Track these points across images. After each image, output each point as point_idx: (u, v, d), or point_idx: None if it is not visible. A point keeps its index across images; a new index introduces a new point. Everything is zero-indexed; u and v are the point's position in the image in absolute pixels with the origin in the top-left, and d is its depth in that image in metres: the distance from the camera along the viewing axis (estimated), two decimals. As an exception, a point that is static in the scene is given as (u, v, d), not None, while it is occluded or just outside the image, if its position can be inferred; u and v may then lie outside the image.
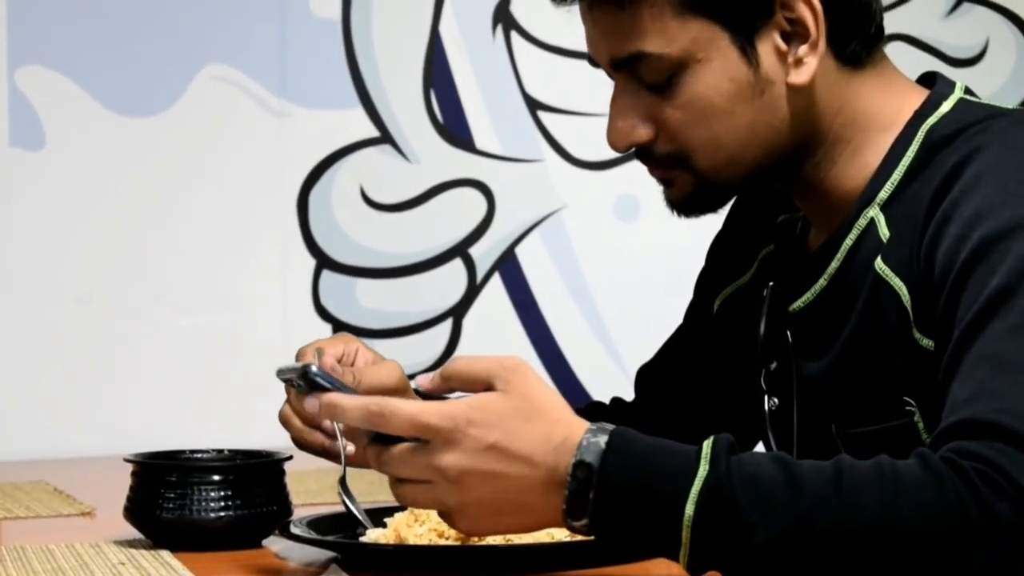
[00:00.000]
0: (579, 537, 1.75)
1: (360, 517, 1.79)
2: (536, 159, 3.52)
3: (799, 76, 1.77)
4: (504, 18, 3.50)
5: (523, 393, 1.55)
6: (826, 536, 1.49)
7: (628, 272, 3.54)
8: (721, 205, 1.89)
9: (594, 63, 1.86)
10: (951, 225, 1.66)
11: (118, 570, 1.77)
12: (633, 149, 1.83)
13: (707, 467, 1.50)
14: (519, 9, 3.51)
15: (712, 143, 1.78)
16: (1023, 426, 1.50)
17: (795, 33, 1.76)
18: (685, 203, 1.85)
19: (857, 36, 1.81)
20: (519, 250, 3.50)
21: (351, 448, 1.86)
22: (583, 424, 1.54)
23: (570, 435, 1.53)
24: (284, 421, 1.97)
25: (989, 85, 3.68)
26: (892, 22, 3.73)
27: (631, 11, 1.75)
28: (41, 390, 3.25)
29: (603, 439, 1.52)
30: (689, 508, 1.49)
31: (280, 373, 1.71)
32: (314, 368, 1.64)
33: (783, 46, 1.77)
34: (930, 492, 1.49)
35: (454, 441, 1.54)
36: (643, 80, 1.78)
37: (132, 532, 1.93)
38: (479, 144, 3.48)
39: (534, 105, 3.51)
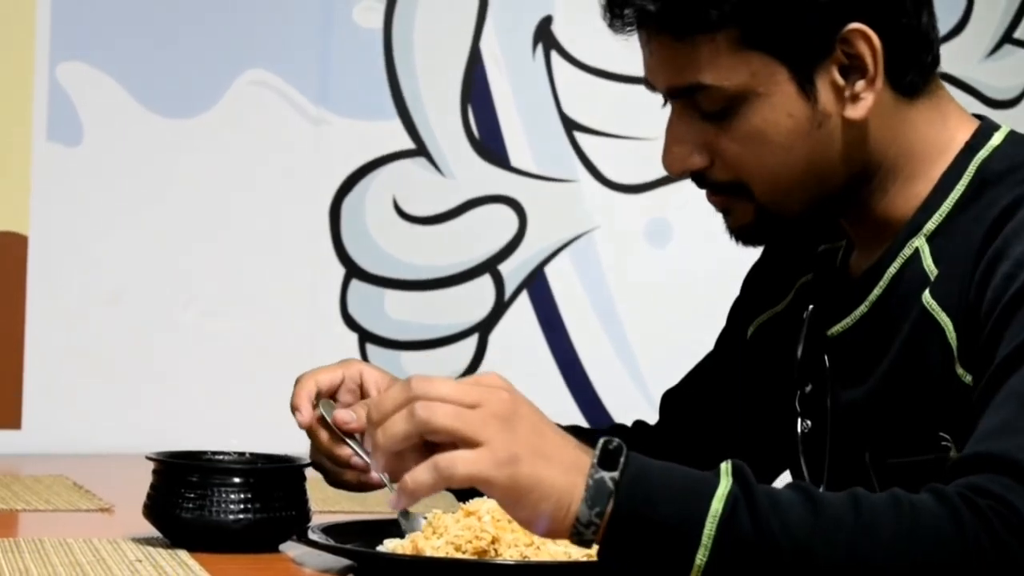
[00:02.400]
0: (594, 556, 1.75)
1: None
2: (570, 179, 3.53)
3: (856, 111, 1.77)
4: (545, 37, 3.51)
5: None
6: (843, 557, 1.49)
7: (657, 297, 3.54)
8: (782, 237, 1.89)
9: (651, 87, 1.85)
10: (1002, 263, 1.67)
11: (135, 567, 1.77)
12: (688, 175, 1.83)
13: (730, 479, 1.50)
14: (560, 29, 3.51)
15: (769, 175, 1.78)
16: None
17: (853, 68, 1.76)
18: (745, 233, 1.85)
19: (914, 67, 1.81)
20: (548, 269, 3.51)
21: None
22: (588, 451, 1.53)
23: (582, 448, 1.52)
24: (316, 464, 1.98)
25: (1026, 128, 3.68)
26: (932, 60, 3.72)
27: (690, 43, 1.75)
28: (66, 386, 3.26)
29: (622, 454, 1.50)
30: (716, 504, 1.48)
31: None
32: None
33: (841, 81, 1.76)
34: (945, 524, 1.50)
35: (501, 388, 1.51)
36: (700, 109, 1.78)
37: (150, 530, 1.94)
38: (514, 161, 3.48)
39: (570, 125, 3.52)
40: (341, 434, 1.92)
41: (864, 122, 1.78)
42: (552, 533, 1.52)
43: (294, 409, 1.97)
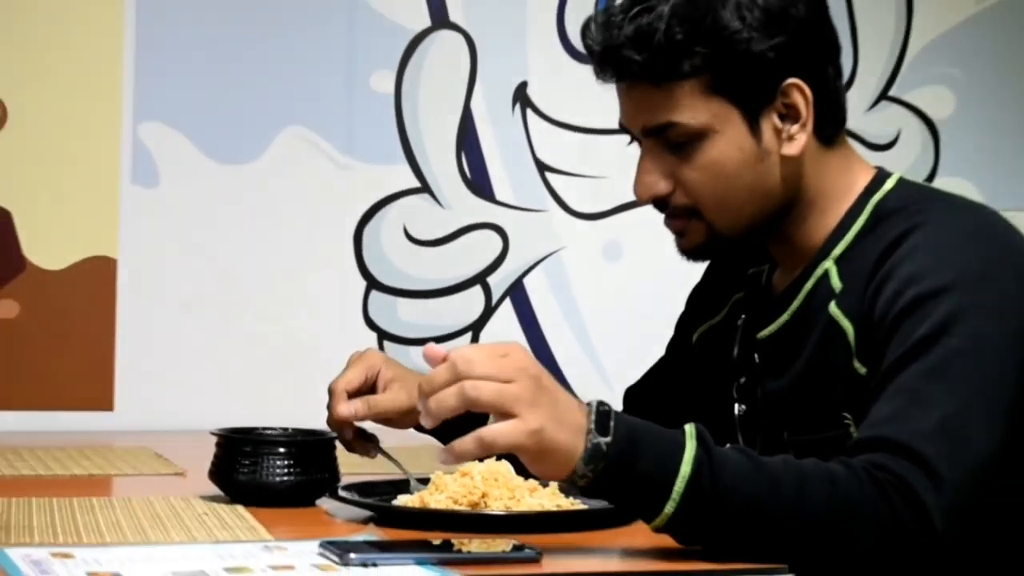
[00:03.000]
0: (566, 507, 1.76)
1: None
2: (542, 209, 3.52)
3: (791, 149, 1.79)
4: (522, 98, 3.51)
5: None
6: (777, 511, 1.51)
7: (611, 301, 3.54)
8: (725, 254, 1.89)
9: (625, 130, 1.85)
10: (891, 282, 1.68)
11: (202, 519, 1.78)
12: (653, 200, 1.83)
13: (695, 443, 1.52)
14: (533, 92, 3.51)
15: (721, 199, 1.79)
16: (924, 450, 1.52)
17: (789, 115, 1.78)
18: (696, 251, 1.86)
19: (832, 121, 1.83)
20: (526, 280, 3.50)
21: None
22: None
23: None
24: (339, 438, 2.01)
25: (900, 166, 3.68)
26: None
27: (666, 89, 1.76)
28: (149, 377, 3.25)
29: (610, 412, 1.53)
30: (684, 467, 1.50)
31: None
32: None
33: (780, 124, 1.78)
34: (854, 492, 1.51)
35: (515, 353, 1.53)
36: (668, 144, 1.79)
37: (214, 490, 1.94)
38: (498, 196, 3.48)
39: (542, 167, 3.51)
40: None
41: (796, 160, 1.79)
42: (553, 479, 1.64)
43: (332, 410, 2.00)
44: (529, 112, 3.51)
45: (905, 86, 3.79)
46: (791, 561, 1.50)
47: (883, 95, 3.77)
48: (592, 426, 1.51)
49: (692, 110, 1.76)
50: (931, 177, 3.76)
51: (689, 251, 1.86)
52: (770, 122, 1.78)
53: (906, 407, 1.58)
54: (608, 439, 1.50)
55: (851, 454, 1.57)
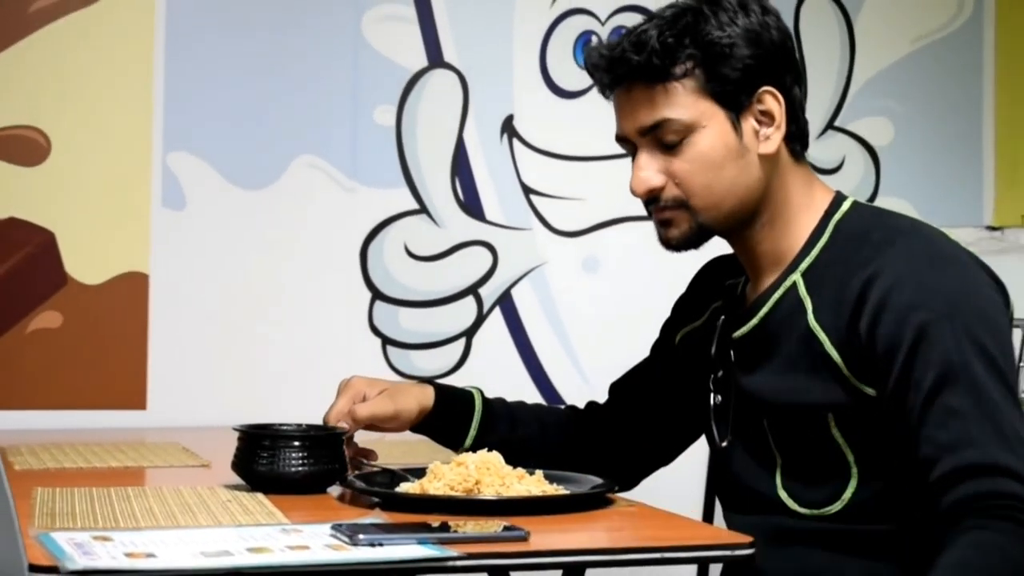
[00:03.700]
0: (551, 492, 1.76)
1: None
2: (527, 228, 3.53)
3: (767, 148, 1.82)
4: (509, 129, 3.51)
5: None
6: None
7: (589, 309, 3.54)
8: (703, 242, 1.90)
9: (621, 141, 1.88)
10: (887, 312, 1.72)
11: (226, 505, 1.78)
12: (648, 194, 1.85)
13: None
14: (519, 123, 3.51)
15: (708, 188, 1.81)
16: (1008, 460, 1.61)
17: (765, 119, 1.81)
18: (681, 240, 1.87)
19: (798, 139, 1.86)
20: (514, 291, 3.50)
21: None
22: None
23: None
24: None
25: (845, 187, 3.66)
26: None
27: (661, 89, 1.81)
28: (178, 379, 3.25)
29: None
30: None
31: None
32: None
33: (757, 126, 1.82)
34: (1015, 541, 1.58)
35: None
36: (661, 141, 1.81)
37: (236, 480, 1.94)
38: (488, 216, 3.48)
39: (527, 190, 3.52)
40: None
41: (771, 160, 1.83)
42: None
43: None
44: (515, 141, 3.51)
45: (849, 117, 3.80)
46: None
47: (829, 125, 3.78)
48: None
49: (684, 107, 1.80)
50: (872, 197, 3.77)
51: (672, 241, 1.87)
52: (749, 123, 1.82)
53: (965, 428, 1.63)
54: None
55: (945, 487, 1.61)
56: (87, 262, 3.21)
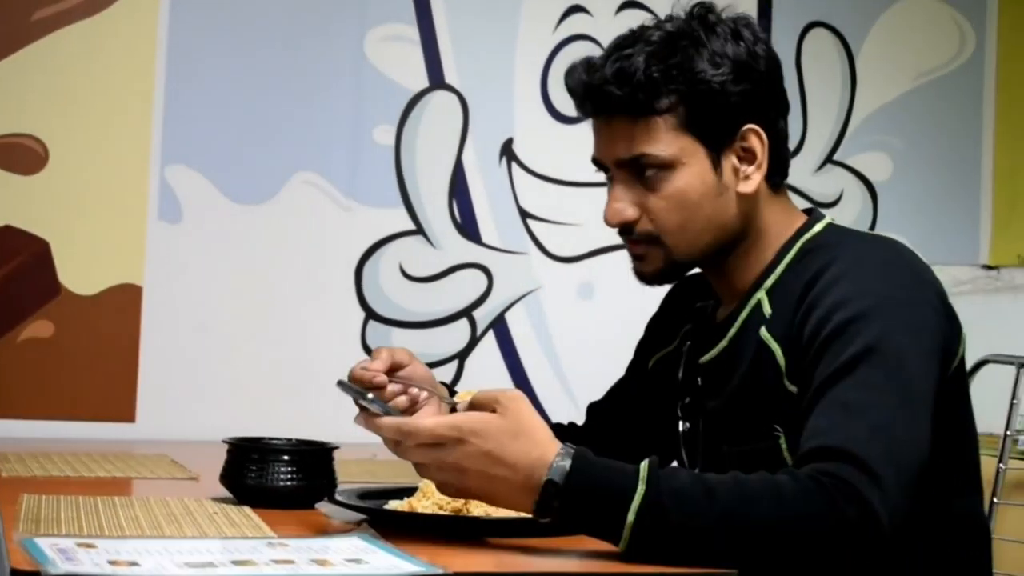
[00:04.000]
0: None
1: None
2: (523, 252, 3.52)
3: (747, 187, 1.80)
4: (508, 152, 3.51)
5: (515, 417, 1.55)
6: (730, 532, 1.49)
7: (584, 336, 3.53)
8: (677, 278, 1.89)
9: (597, 164, 1.85)
10: (817, 309, 1.69)
11: (213, 518, 1.77)
12: (621, 226, 1.82)
13: (644, 486, 1.50)
14: (518, 147, 3.51)
15: (682, 227, 1.79)
16: (861, 452, 1.52)
17: (746, 157, 1.79)
18: (653, 275, 1.85)
19: (778, 172, 1.84)
20: (508, 315, 3.50)
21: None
22: (555, 447, 1.54)
23: (544, 453, 1.54)
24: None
25: (842, 221, 3.67)
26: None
27: (643, 123, 1.77)
28: (167, 392, 3.24)
29: (568, 463, 1.53)
30: (630, 516, 1.49)
31: (341, 384, 1.70)
32: (370, 396, 1.64)
33: (738, 165, 1.79)
34: (802, 499, 1.50)
35: (461, 444, 1.54)
36: (638, 175, 1.78)
37: (224, 492, 1.93)
38: (484, 239, 3.48)
39: (524, 214, 3.51)
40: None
41: (749, 198, 1.80)
42: None
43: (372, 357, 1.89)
44: (514, 165, 3.51)
45: (848, 151, 3.81)
46: (749, 567, 1.49)
47: (828, 159, 3.78)
48: (535, 508, 1.54)
49: (664, 143, 1.77)
50: (870, 233, 3.77)
51: (645, 275, 1.85)
52: (730, 161, 1.79)
53: (841, 418, 1.58)
54: (547, 520, 1.55)
55: (797, 466, 1.57)
56: (81, 272, 3.20)
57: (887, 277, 1.70)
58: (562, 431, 2.15)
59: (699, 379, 1.89)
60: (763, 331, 1.76)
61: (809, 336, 1.68)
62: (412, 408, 1.88)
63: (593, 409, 2.17)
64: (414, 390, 1.86)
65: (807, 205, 1.94)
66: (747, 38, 1.79)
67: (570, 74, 1.82)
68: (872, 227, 3.78)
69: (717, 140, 1.77)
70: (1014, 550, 2.99)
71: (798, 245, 1.81)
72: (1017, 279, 3.72)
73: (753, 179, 1.79)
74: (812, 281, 1.72)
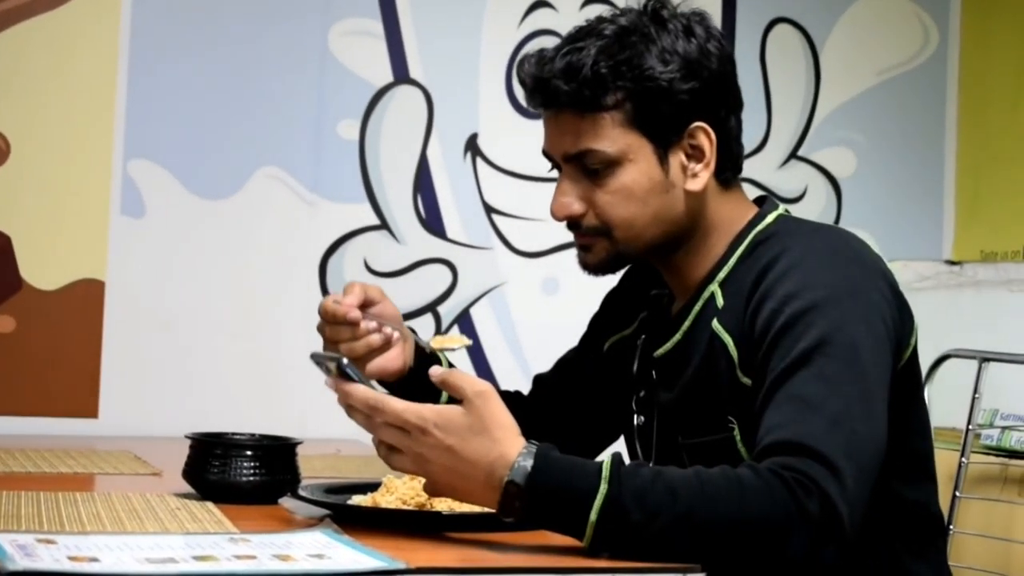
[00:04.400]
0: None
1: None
2: (488, 247, 3.52)
3: (693, 184, 1.79)
4: (472, 148, 3.51)
5: (479, 413, 1.55)
6: (693, 528, 1.49)
7: (548, 330, 3.53)
8: (621, 268, 1.89)
9: (547, 156, 1.84)
10: (769, 301, 1.69)
11: (175, 513, 1.76)
12: (568, 219, 1.82)
13: (606, 485, 1.50)
14: (483, 142, 3.51)
15: (628, 222, 1.78)
16: (820, 446, 1.52)
17: (694, 155, 1.78)
18: (598, 265, 1.85)
19: (730, 167, 1.83)
20: (473, 310, 3.50)
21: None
22: (517, 445, 1.54)
23: (505, 452, 1.54)
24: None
25: (806, 217, 3.69)
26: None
27: (590, 118, 1.76)
28: (130, 388, 3.23)
29: (529, 463, 1.52)
30: (592, 516, 1.49)
31: (314, 356, 1.69)
32: (345, 361, 1.63)
33: (686, 162, 1.78)
34: (763, 494, 1.50)
35: (424, 435, 1.54)
36: (585, 170, 1.78)
37: (187, 488, 1.92)
38: (449, 234, 3.48)
39: (489, 209, 3.51)
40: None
41: (697, 195, 1.80)
42: None
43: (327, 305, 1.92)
44: (479, 160, 3.51)
45: (812, 147, 3.82)
46: (711, 564, 1.49)
47: (793, 155, 3.79)
48: (498, 508, 1.53)
49: (610, 139, 1.76)
50: (834, 228, 3.78)
51: (589, 265, 1.85)
52: (677, 158, 1.78)
53: (798, 412, 1.58)
54: (511, 520, 1.54)
55: (755, 460, 1.57)
56: (43, 267, 3.18)
57: (837, 267, 1.70)
58: (507, 399, 2.15)
59: (653, 373, 1.88)
60: (715, 323, 1.76)
61: (761, 329, 1.68)
62: (385, 347, 1.91)
63: (541, 380, 2.16)
64: (388, 329, 1.88)
65: (760, 193, 1.94)
66: (699, 35, 1.78)
67: (521, 65, 1.81)
68: (836, 222, 3.79)
69: (664, 137, 1.77)
70: (976, 544, 3.00)
71: (750, 237, 1.81)
72: (980, 274, 3.74)
73: (701, 177, 1.79)
74: (763, 273, 1.72)
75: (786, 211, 1.87)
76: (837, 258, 1.72)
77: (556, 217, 1.82)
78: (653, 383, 1.88)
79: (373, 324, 1.89)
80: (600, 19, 1.81)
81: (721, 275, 1.80)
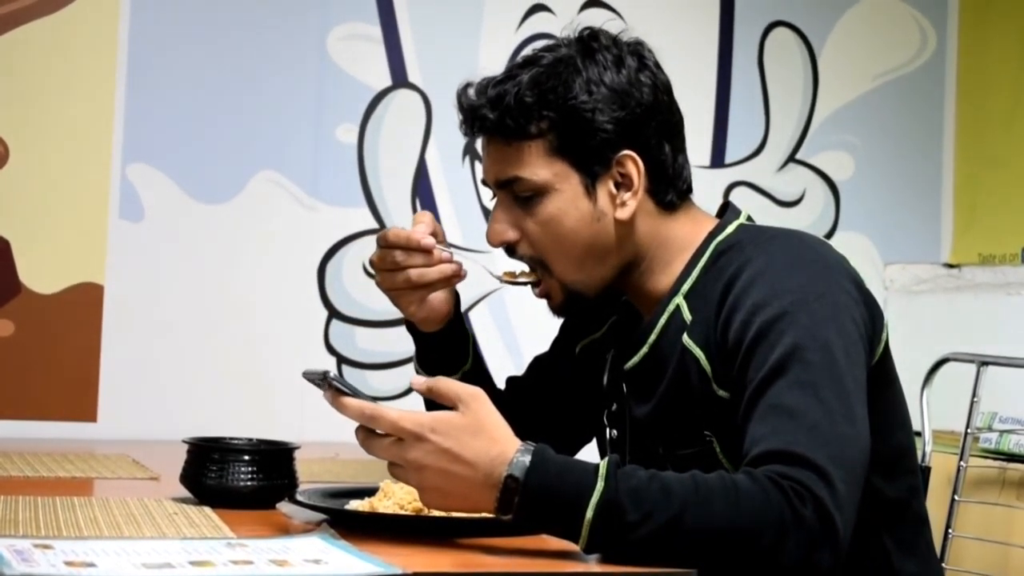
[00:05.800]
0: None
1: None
2: (487, 251, 3.51)
3: (622, 213, 1.80)
4: (471, 151, 3.51)
5: (475, 415, 1.55)
6: (687, 530, 1.49)
7: (546, 334, 3.52)
8: (586, 306, 1.89)
9: (485, 183, 1.87)
10: (738, 313, 1.69)
11: (172, 518, 1.75)
12: (503, 246, 1.85)
13: (603, 483, 1.50)
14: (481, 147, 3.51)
15: (559, 252, 1.80)
16: (808, 453, 1.53)
17: (623, 184, 1.80)
18: (559, 307, 1.88)
19: (672, 191, 1.83)
20: (471, 314, 3.49)
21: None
22: (515, 444, 1.54)
23: (504, 450, 1.54)
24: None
25: (805, 220, 3.70)
26: (739, 173, 3.77)
27: (516, 146, 1.79)
28: (129, 391, 3.23)
29: (528, 459, 1.52)
30: (589, 513, 1.49)
31: (306, 374, 1.70)
32: (332, 373, 1.63)
33: (614, 191, 1.80)
34: (759, 499, 1.50)
35: (420, 441, 1.54)
36: (516, 197, 1.80)
37: (184, 493, 1.91)
38: (448, 238, 3.47)
39: (487, 213, 3.51)
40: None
41: (629, 223, 1.80)
42: None
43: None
44: (477, 164, 3.51)
45: (810, 151, 3.82)
46: (706, 568, 1.49)
47: (791, 158, 3.79)
48: (496, 505, 1.53)
49: (535, 168, 1.78)
50: (832, 231, 3.78)
51: (556, 309, 1.88)
52: (606, 188, 1.79)
53: (780, 421, 1.58)
54: (508, 517, 1.54)
55: (754, 468, 1.57)
56: (42, 271, 3.18)
57: (801, 272, 1.71)
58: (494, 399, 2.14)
59: (624, 386, 1.89)
60: (685, 337, 1.76)
61: (734, 341, 1.68)
62: (453, 279, 1.96)
63: (514, 383, 2.16)
64: (459, 260, 1.91)
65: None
66: (630, 66, 1.80)
67: (463, 92, 1.83)
68: (835, 226, 3.80)
69: (590, 166, 1.78)
70: (975, 548, 3.00)
71: (711, 248, 1.81)
72: (978, 277, 3.74)
73: (629, 205, 1.79)
74: (729, 284, 1.73)
75: (748, 218, 1.87)
76: (801, 263, 1.72)
77: (491, 243, 1.86)
78: (624, 396, 1.88)
79: (447, 252, 1.90)
80: (544, 48, 1.84)
81: (685, 287, 1.80)
